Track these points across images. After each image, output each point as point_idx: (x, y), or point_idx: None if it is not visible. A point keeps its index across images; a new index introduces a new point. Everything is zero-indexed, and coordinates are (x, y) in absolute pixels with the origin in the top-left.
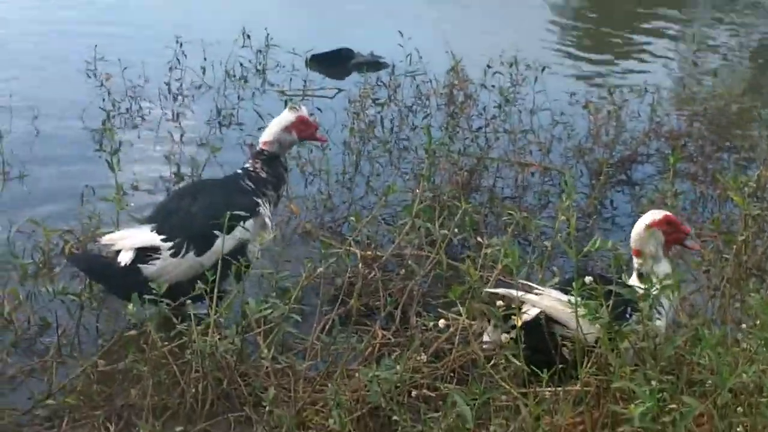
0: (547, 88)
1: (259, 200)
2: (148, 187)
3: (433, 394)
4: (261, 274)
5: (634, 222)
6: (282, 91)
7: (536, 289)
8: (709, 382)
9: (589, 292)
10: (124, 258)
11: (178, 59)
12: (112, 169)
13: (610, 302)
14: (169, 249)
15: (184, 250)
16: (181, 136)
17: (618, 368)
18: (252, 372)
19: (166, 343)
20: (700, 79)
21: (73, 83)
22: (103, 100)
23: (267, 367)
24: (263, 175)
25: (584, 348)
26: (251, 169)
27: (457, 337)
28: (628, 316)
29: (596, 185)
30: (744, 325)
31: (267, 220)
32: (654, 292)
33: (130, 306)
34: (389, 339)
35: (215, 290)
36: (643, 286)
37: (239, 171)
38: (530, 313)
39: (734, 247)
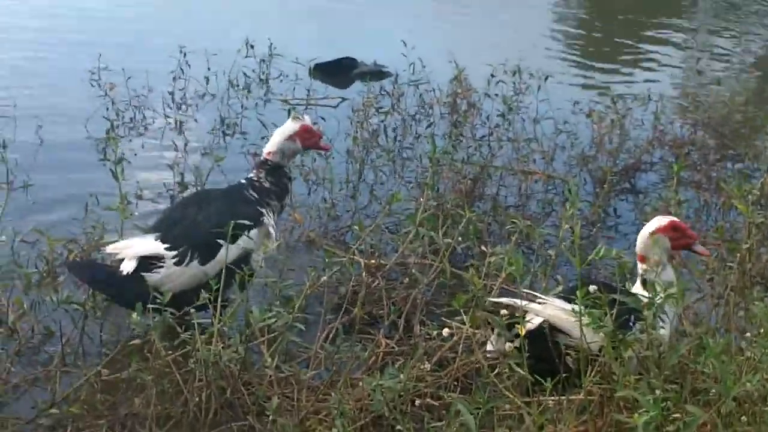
0: (550, 96)
1: (263, 210)
2: (152, 196)
3: (436, 403)
4: (265, 282)
5: (637, 230)
6: (285, 100)
7: (539, 298)
8: (713, 390)
9: (592, 300)
10: (127, 267)
11: (181, 69)
12: (116, 179)
13: (614, 311)
14: (173, 258)
15: (188, 258)
16: (185, 145)
17: (622, 377)
18: (255, 381)
19: (170, 352)
20: (704, 87)
21: (77, 92)
22: (107, 109)
23: (270, 376)
24: (267, 185)
25: (588, 357)
26: (255, 179)
27: (461, 345)
28: (631, 324)
29: (600, 194)
30: (748, 334)
31: (271, 229)
32: (658, 301)
33: (134, 315)
34: (393, 348)
35: (219, 299)
36: (646, 294)
37: (243, 181)
38: (533, 322)
39: (738, 255)
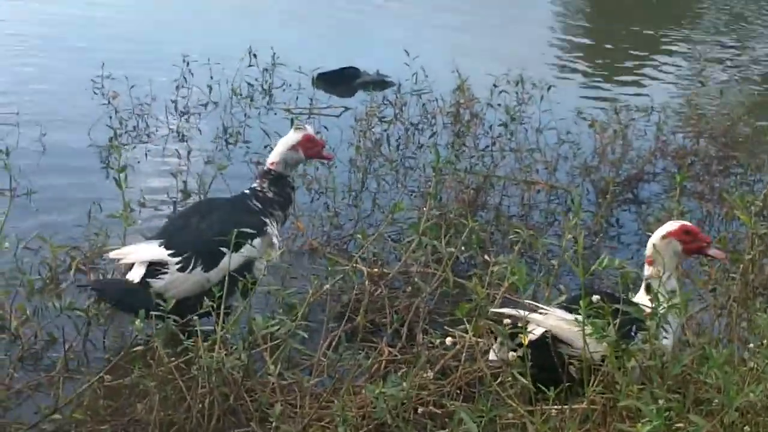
0: (553, 106)
1: (267, 220)
2: (155, 203)
3: (439, 411)
4: (268, 290)
5: (640, 240)
6: (288, 109)
7: (541, 308)
8: (716, 401)
9: (595, 310)
10: (135, 275)
11: (184, 77)
12: (119, 186)
13: (617, 321)
14: (177, 263)
15: (191, 265)
16: (188, 153)
17: (625, 387)
18: (258, 388)
19: (173, 358)
20: (707, 98)
21: (80, 100)
22: (110, 117)
23: (273, 383)
24: (270, 195)
25: (591, 366)
26: (258, 189)
27: (464, 354)
28: (633, 334)
29: (603, 204)
30: (751, 345)
31: (274, 239)
32: (661, 311)
33: (137, 321)
34: (396, 356)
35: (222, 306)
36: (649, 304)
37: (246, 191)
38: (536, 332)
39: (741, 266)
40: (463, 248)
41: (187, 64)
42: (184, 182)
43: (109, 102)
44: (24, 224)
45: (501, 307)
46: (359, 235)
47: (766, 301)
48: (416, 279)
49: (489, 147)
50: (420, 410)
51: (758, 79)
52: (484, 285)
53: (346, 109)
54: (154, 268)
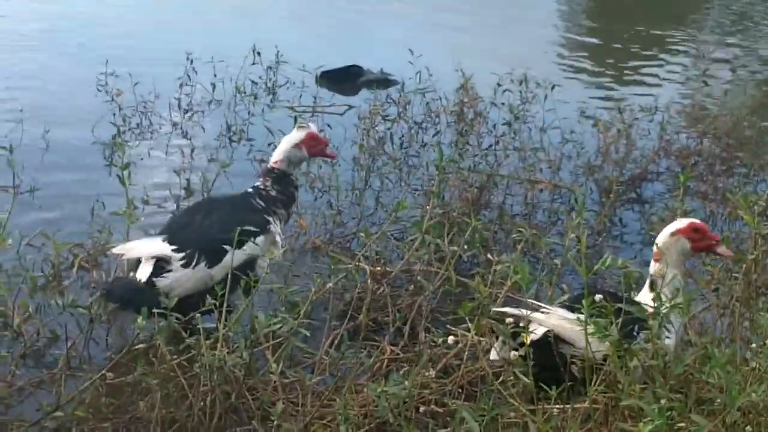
0: (556, 105)
1: (270, 218)
2: (158, 201)
3: (441, 410)
4: (270, 288)
5: (643, 240)
6: (292, 107)
7: (543, 307)
8: (718, 400)
9: (598, 309)
10: (142, 274)
11: (188, 75)
12: (123, 184)
13: (619, 320)
14: (181, 259)
15: (195, 260)
16: (191, 151)
17: (627, 386)
18: (260, 386)
19: (175, 356)
20: (710, 98)
21: (84, 97)
22: (114, 114)
23: (275, 382)
24: (273, 193)
25: (593, 365)
26: (262, 187)
27: (466, 353)
28: (635, 333)
29: (606, 203)
30: (753, 344)
31: (278, 237)
32: (663, 311)
33: (140, 319)
34: (398, 354)
35: (224, 304)
36: (651, 303)
37: (250, 190)
38: (537, 332)
39: (744, 266)
40: (466, 247)
41: (191, 61)
42: (188, 180)
43: (112, 99)
44: (27, 221)
45: (504, 306)
46: (362, 234)
47: None
48: (419, 277)
49: (492, 146)
50: (422, 409)
51: (763, 80)
52: (487, 284)
53: (350, 107)
54: (159, 266)
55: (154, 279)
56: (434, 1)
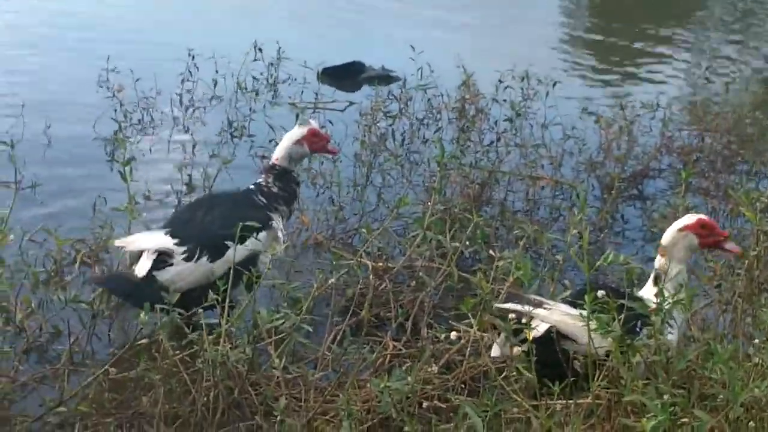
0: (558, 102)
1: (272, 215)
2: (159, 197)
3: (444, 406)
4: (272, 284)
5: (645, 236)
6: (293, 103)
7: (545, 303)
8: (721, 396)
9: (600, 305)
10: (142, 268)
11: (190, 71)
12: (124, 179)
13: (622, 316)
14: (183, 253)
15: (197, 254)
16: (193, 147)
17: (630, 382)
18: (263, 381)
19: (178, 351)
20: (712, 95)
21: (85, 93)
22: (115, 110)
23: (278, 377)
24: (275, 190)
25: (595, 361)
26: (263, 184)
27: (468, 348)
28: (638, 330)
29: (608, 199)
30: (756, 340)
31: (280, 234)
32: (666, 307)
33: (142, 315)
34: (400, 350)
35: (227, 299)
36: (654, 299)
37: (251, 186)
38: (540, 328)
39: (746, 262)
40: (467, 243)
41: (193, 57)
42: (189, 176)
43: (114, 95)
44: (29, 216)
45: (506, 302)
46: (364, 230)
47: None
48: (421, 273)
49: (494, 142)
50: (425, 404)
51: (765, 77)
52: (489, 280)
53: (351, 103)
54: (161, 260)
55: (154, 272)
56: (433, 1)
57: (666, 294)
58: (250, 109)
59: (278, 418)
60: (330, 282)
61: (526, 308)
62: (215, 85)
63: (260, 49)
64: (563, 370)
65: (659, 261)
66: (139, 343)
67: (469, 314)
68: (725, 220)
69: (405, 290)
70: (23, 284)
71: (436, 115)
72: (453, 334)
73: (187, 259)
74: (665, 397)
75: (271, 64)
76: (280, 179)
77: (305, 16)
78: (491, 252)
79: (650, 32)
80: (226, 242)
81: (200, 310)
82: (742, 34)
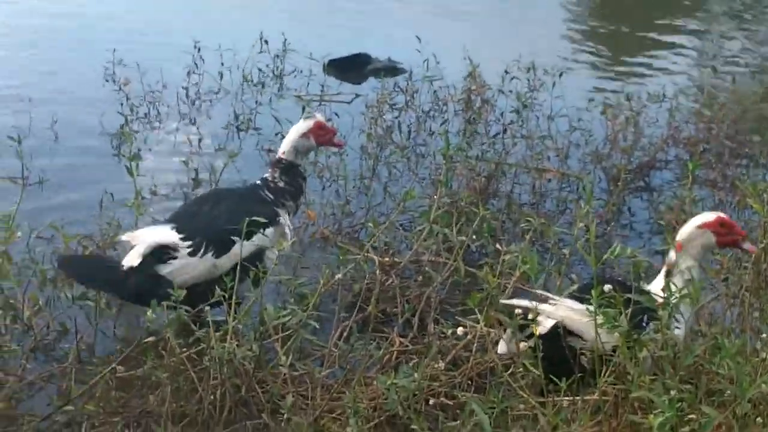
0: (564, 93)
1: (279, 211)
2: (166, 192)
3: (450, 402)
4: (279, 280)
5: (652, 228)
6: (299, 96)
7: (551, 299)
8: (729, 392)
9: (607, 300)
10: (131, 261)
11: (196, 64)
12: (131, 174)
13: (629, 310)
14: (188, 247)
15: (202, 250)
16: (199, 140)
17: (637, 377)
18: (270, 379)
19: (185, 349)
20: (719, 86)
21: (91, 88)
22: (122, 104)
23: (285, 374)
24: (281, 184)
25: (602, 357)
26: (270, 179)
27: (475, 344)
28: (644, 324)
29: (614, 191)
30: (764, 335)
31: (287, 229)
32: (673, 301)
33: (149, 312)
34: (407, 346)
35: (233, 296)
36: (661, 293)
37: (258, 182)
38: (545, 324)
39: (753, 255)
40: (474, 237)
41: (198, 50)
42: (195, 169)
43: (120, 89)
44: (36, 213)
45: (512, 296)
46: (370, 224)
47: None
48: (427, 268)
49: (500, 134)
50: (431, 401)
51: None
52: (496, 274)
53: (357, 95)
54: (164, 252)
55: (157, 266)
56: (435, 3)
57: (674, 288)
58: (256, 102)
59: (285, 416)
60: (337, 278)
61: (532, 304)
62: (221, 78)
63: (266, 42)
64: (570, 367)
65: (673, 256)
66: (146, 341)
67: (476, 309)
68: (732, 211)
69: (412, 285)
70: (31, 281)
71: (442, 107)
72: (460, 330)
73: (192, 254)
74: (672, 392)
75: (277, 56)
76: (286, 173)
77: (308, 11)
78: (498, 246)
79: (657, 22)
80: (232, 237)
81: (207, 307)
82: (749, 24)
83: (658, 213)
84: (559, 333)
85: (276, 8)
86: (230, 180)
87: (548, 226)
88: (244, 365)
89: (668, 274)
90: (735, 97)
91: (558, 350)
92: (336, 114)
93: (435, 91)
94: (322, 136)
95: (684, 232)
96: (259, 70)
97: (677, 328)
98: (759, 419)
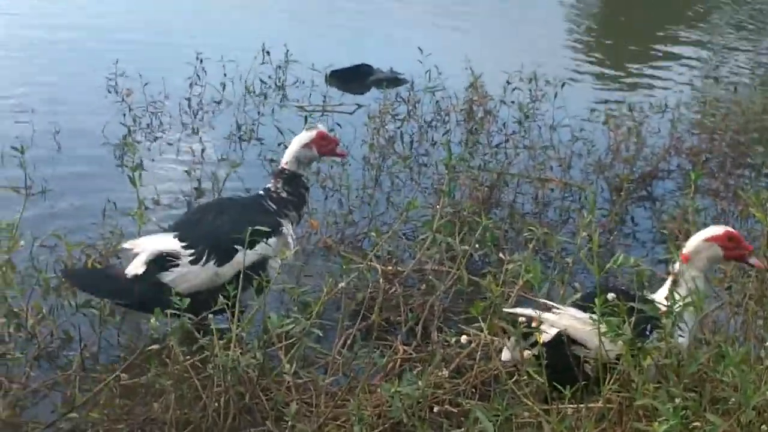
0: (566, 103)
1: (282, 221)
2: (169, 202)
3: (455, 410)
4: (282, 288)
5: (654, 238)
6: (301, 106)
7: (554, 307)
8: (733, 399)
9: (610, 308)
10: (135, 269)
11: (198, 75)
12: (134, 184)
13: (632, 319)
14: (190, 255)
15: (204, 258)
16: (202, 151)
17: (641, 385)
18: (274, 386)
19: (188, 357)
20: (721, 96)
21: (93, 98)
22: (124, 115)
23: (289, 382)
24: (284, 195)
25: (606, 365)
26: (272, 189)
27: (479, 353)
28: (648, 333)
29: (617, 201)
30: (767, 343)
31: (290, 239)
32: (677, 309)
33: (152, 320)
34: (410, 354)
35: (237, 304)
36: (665, 302)
37: (261, 192)
38: (549, 333)
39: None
40: (477, 246)
41: (201, 61)
42: (198, 180)
43: (122, 99)
44: (39, 222)
45: (516, 305)
46: (373, 233)
47: None
48: (431, 277)
49: (503, 144)
50: (435, 409)
51: None
52: (499, 283)
53: (360, 106)
54: (166, 260)
55: (160, 274)
56: (435, 2)
57: (677, 297)
58: (259, 113)
59: (289, 423)
60: (340, 286)
61: (535, 312)
62: (223, 89)
63: (268, 52)
64: (574, 374)
65: (678, 266)
66: (149, 348)
67: (479, 318)
68: (735, 221)
69: (415, 294)
70: (34, 290)
71: (444, 118)
72: (463, 338)
73: (194, 262)
74: (677, 400)
75: (279, 66)
76: (289, 184)
77: (308, 11)
78: (501, 255)
79: (659, 33)
80: (234, 246)
81: (210, 315)
82: (753, 34)
83: (661, 222)
84: (563, 341)
85: (276, 8)
86: (233, 190)
87: (551, 235)
88: (247, 373)
89: (674, 285)
90: (738, 107)
91: (562, 358)
92: (338, 124)
93: (437, 102)
94: (324, 146)
95: (691, 244)
96: (261, 80)
97: (681, 336)
98: (763, 427)
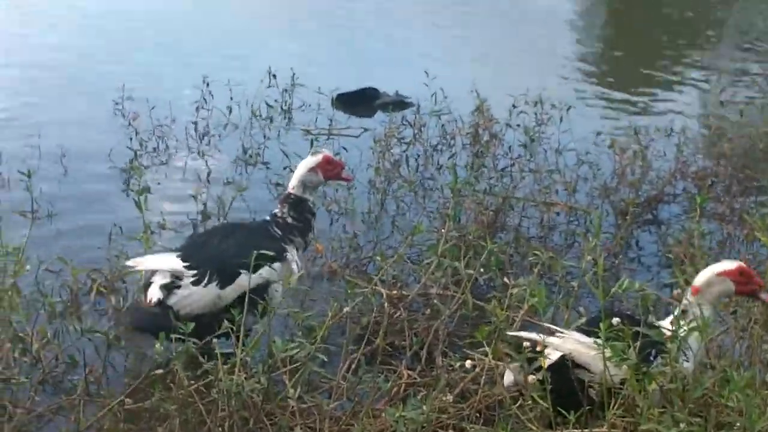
0: (572, 127)
1: (287, 247)
2: (174, 225)
3: None
4: (287, 313)
5: (660, 262)
6: (308, 130)
7: (558, 332)
8: (738, 424)
9: (615, 333)
10: (155, 294)
11: (204, 99)
12: (139, 209)
13: (637, 344)
14: (192, 276)
15: (206, 279)
16: (208, 175)
17: (646, 410)
18: (278, 411)
19: (193, 381)
20: (727, 119)
21: (100, 122)
22: (131, 139)
23: (293, 407)
24: (290, 220)
25: (611, 389)
26: (279, 215)
27: (483, 377)
28: (652, 358)
29: (622, 225)
30: None
31: (294, 266)
32: (681, 334)
33: (157, 345)
34: (415, 379)
35: (242, 328)
36: (670, 328)
37: (267, 218)
38: (552, 357)
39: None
40: (482, 270)
41: (207, 85)
42: (204, 204)
43: (129, 123)
44: (45, 246)
45: (520, 329)
46: (378, 257)
47: None
48: (435, 301)
49: (508, 168)
50: None
51: None
52: (504, 307)
53: (366, 130)
54: (171, 283)
55: (164, 298)
56: (439, 28)
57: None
58: (265, 137)
59: None
60: (345, 311)
61: (540, 337)
62: (230, 113)
63: (274, 76)
64: (578, 399)
65: (689, 300)
66: (154, 373)
67: (484, 342)
68: (741, 245)
69: (420, 318)
70: (40, 314)
71: (450, 141)
72: (468, 363)
73: (196, 283)
74: (682, 425)
75: (285, 90)
76: (295, 209)
77: (322, 38)
78: (506, 279)
79: (664, 56)
80: (237, 268)
81: (215, 339)
82: (758, 56)
83: (667, 246)
84: (567, 365)
85: (285, 42)
86: (239, 214)
87: (556, 259)
88: (252, 397)
89: (683, 315)
90: (744, 130)
91: (566, 382)
92: (344, 148)
93: (443, 125)
94: (330, 170)
95: (703, 277)
96: (267, 104)
97: (686, 361)
98: None
